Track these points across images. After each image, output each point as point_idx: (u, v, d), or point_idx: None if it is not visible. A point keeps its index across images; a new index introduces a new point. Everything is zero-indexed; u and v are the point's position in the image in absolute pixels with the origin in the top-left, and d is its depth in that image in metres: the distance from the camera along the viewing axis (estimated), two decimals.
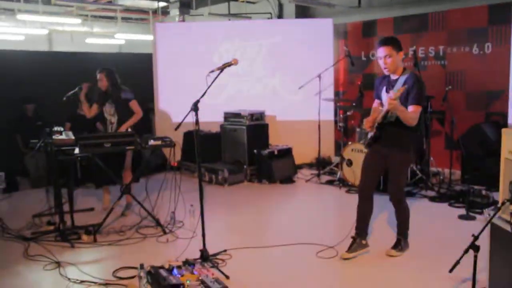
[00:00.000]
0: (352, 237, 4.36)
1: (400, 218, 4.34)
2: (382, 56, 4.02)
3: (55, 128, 5.25)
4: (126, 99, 5.83)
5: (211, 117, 7.60)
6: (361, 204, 4.34)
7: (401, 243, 4.34)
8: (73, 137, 5.23)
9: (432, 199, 6.16)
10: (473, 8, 7.42)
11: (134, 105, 5.88)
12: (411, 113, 3.90)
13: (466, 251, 2.90)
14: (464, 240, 3.28)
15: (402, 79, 4.00)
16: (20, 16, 10.26)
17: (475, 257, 2.90)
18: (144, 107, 9.31)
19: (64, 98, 5.01)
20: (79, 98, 5.66)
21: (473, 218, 5.31)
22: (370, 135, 4.22)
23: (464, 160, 6.91)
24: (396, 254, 4.30)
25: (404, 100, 3.92)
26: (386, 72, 4.12)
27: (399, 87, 3.90)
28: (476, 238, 2.91)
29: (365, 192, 4.31)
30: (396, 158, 4.12)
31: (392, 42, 4.00)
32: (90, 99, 5.89)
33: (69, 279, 3.93)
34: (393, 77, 4.10)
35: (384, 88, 4.17)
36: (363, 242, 4.35)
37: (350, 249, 4.29)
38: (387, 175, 4.73)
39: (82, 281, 3.88)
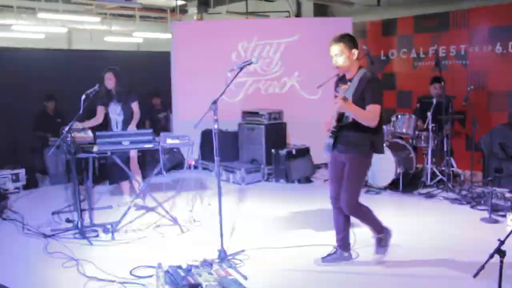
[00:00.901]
0: (334, 247, 4.23)
1: (366, 221, 4.12)
2: (333, 55, 3.79)
3: (75, 126, 5.27)
4: (131, 99, 5.88)
5: (229, 115, 7.58)
6: (334, 215, 4.14)
7: (381, 240, 4.14)
8: (92, 135, 5.26)
9: (453, 201, 6.06)
10: (496, 6, 7.29)
11: (136, 106, 5.94)
12: (368, 113, 3.67)
13: (491, 256, 2.83)
14: (488, 244, 3.22)
15: (357, 78, 3.77)
16: (40, 15, 10.36)
17: (501, 262, 2.82)
18: (148, 103, 9.36)
19: (84, 96, 5.02)
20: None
21: (496, 221, 5.19)
22: (328, 140, 3.92)
23: (486, 161, 6.79)
24: (383, 254, 4.14)
25: (360, 99, 3.70)
26: (338, 72, 3.91)
27: (354, 86, 3.73)
28: (502, 242, 2.84)
29: (335, 204, 4.07)
30: (352, 162, 3.86)
31: (343, 40, 3.77)
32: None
33: (87, 276, 3.94)
34: (348, 76, 3.87)
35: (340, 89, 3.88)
36: (345, 254, 4.17)
37: (328, 257, 4.17)
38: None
39: (100, 279, 3.88)
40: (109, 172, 6.35)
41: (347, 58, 3.76)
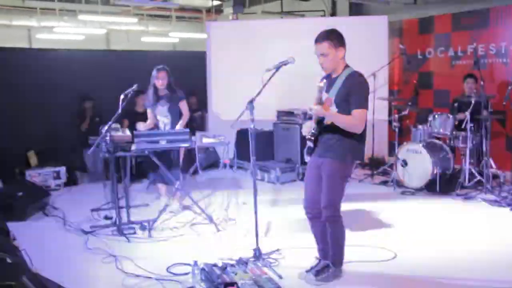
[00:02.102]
0: (317, 258, 3.98)
1: (333, 239, 3.75)
2: (318, 54, 3.55)
3: (113, 125, 5.39)
4: (178, 99, 5.84)
5: (264, 115, 7.60)
6: (311, 224, 3.88)
7: (327, 271, 3.77)
8: (130, 134, 5.37)
9: (492, 203, 5.92)
10: None
11: (184, 105, 5.88)
12: (352, 119, 3.43)
13: None
14: None
15: (343, 77, 3.53)
16: (81, 17, 10.63)
17: None
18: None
19: (122, 96, 5.12)
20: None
21: None
22: (309, 143, 3.71)
23: None
24: (316, 282, 3.75)
25: (345, 102, 3.46)
26: (324, 71, 3.66)
27: (338, 87, 3.51)
28: None
29: (309, 211, 3.82)
30: (329, 167, 3.59)
31: (328, 38, 3.51)
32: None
33: (125, 272, 4.04)
34: (334, 75, 3.61)
35: (325, 89, 3.64)
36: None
37: (312, 270, 3.86)
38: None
39: (137, 276, 3.97)
40: (147, 171, 6.33)
41: (333, 58, 3.53)
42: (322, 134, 3.62)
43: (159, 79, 5.70)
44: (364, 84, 3.54)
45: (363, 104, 3.47)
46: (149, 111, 5.94)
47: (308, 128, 3.68)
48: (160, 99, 5.82)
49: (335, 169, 3.59)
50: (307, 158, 3.80)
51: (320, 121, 3.62)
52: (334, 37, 3.54)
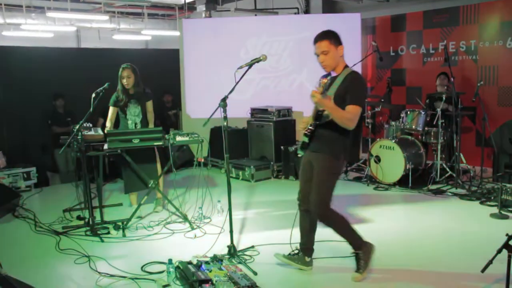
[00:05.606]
0: (297, 249, 4.07)
1: (340, 232, 3.80)
2: (319, 53, 3.61)
3: (85, 124, 5.30)
4: (147, 98, 5.70)
5: (238, 113, 7.61)
6: (301, 217, 3.97)
7: (360, 257, 3.79)
8: (102, 133, 5.29)
9: (463, 197, 6.04)
10: (507, 0, 7.22)
11: (151, 105, 5.74)
12: (347, 113, 3.47)
13: (499, 251, 2.83)
14: (497, 239, 3.22)
15: (342, 76, 3.57)
16: (50, 14, 10.43)
17: (509, 257, 2.83)
18: (159, 102, 9.39)
19: (94, 95, 5.03)
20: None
21: (506, 217, 5.17)
22: (304, 138, 3.75)
23: (496, 157, 6.76)
24: (361, 276, 3.77)
25: (341, 99, 3.51)
26: (325, 70, 3.68)
27: (337, 85, 3.54)
28: (510, 237, 2.84)
29: (303, 204, 3.90)
30: (321, 164, 3.65)
31: (328, 37, 3.58)
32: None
33: (99, 273, 3.99)
34: (334, 74, 3.66)
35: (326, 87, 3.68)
36: (306, 259, 3.98)
37: (288, 255, 4.05)
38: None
39: (112, 275, 3.92)
40: (126, 180, 5.82)
41: (333, 56, 3.59)
42: (318, 130, 3.66)
43: (124, 78, 5.53)
44: (362, 83, 3.64)
45: (359, 101, 3.51)
46: (114, 110, 5.66)
47: (305, 123, 3.73)
48: (132, 98, 5.65)
49: (328, 165, 3.64)
50: (300, 153, 3.84)
51: (318, 117, 3.65)
52: (332, 36, 3.61)
